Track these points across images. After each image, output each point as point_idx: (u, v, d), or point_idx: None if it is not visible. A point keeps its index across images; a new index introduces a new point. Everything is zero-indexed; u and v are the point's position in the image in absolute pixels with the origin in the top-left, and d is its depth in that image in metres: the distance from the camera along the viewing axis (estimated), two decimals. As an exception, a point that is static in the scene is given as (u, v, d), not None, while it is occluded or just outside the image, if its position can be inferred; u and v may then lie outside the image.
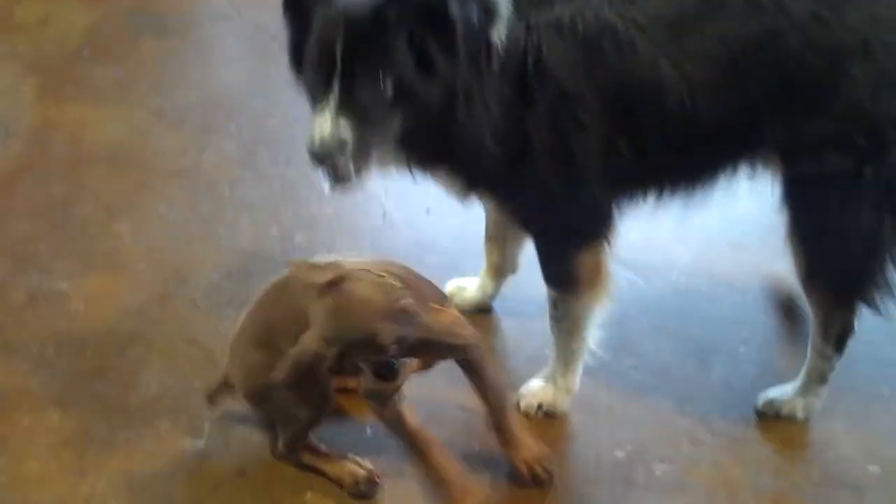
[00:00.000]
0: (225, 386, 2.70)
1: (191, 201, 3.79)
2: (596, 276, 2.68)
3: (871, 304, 2.65)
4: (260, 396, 2.60)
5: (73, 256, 3.48)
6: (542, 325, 2.86)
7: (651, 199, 2.70)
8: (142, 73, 4.70)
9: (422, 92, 2.25)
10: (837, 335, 2.72)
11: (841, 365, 2.90)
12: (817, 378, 2.81)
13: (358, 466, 2.60)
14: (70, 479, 2.62)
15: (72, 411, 2.83)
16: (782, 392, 2.87)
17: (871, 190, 2.45)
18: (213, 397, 2.75)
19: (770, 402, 2.86)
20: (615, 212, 2.67)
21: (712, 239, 3.58)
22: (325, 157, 2.25)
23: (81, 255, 3.50)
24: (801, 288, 2.71)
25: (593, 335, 2.83)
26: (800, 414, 2.83)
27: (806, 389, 2.84)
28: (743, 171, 2.64)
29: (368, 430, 2.79)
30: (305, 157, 3.76)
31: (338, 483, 2.60)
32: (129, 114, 4.37)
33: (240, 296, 3.16)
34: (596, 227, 2.64)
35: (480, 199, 2.67)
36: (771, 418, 2.85)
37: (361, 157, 2.28)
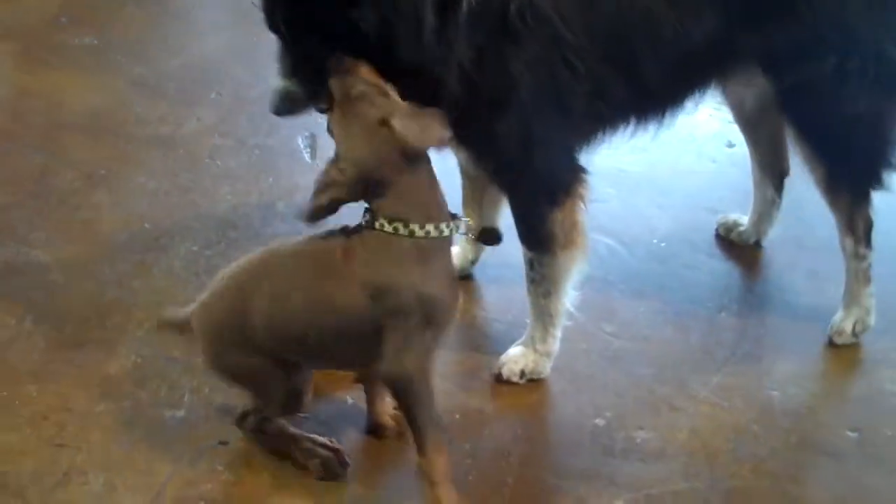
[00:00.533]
0: (180, 327, 2.61)
1: (170, 170, 3.77)
2: (572, 235, 2.67)
3: (886, 188, 2.80)
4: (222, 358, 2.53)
5: (51, 226, 3.46)
6: (523, 292, 2.85)
7: (627, 131, 2.76)
8: (121, 40, 4.66)
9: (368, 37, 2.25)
10: (864, 231, 2.85)
11: (819, 331, 2.93)
12: (863, 280, 2.92)
13: (325, 449, 2.56)
14: (49, 452, 2.61)
15: (51, 383, 2.82)
16: (842, 316, 2.96)
17: (860, 84, 2.59)
18: (162, 325, 2.71)
19: (840, 332, 2.94)
20: (585, 167, 2.69)
21: (692, 205, 3.58)
22: (282, 113, 2.39)
23: (60, 224, 3.48)
24: (824, 196, 2.85)
25: (571, 297, 2.82)
26: (870, 321, 2.93)
27: (857, 297, 2.93)
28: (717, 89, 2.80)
29: (349, 400, 2.78)
30: (286, 125, 3.81)
31: (302, 468, 2.57)
32: (108, 82, 4.33)
33: (220, 264, 3.14)
34: (569, 182, 2.63)
35: (454, 151, 2.66)
36: (751, 383, 2.86)
37: (321, 100, 2.35)
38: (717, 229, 3.41)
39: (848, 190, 2.80)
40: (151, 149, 3.90)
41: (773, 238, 3.39)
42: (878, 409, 2.80)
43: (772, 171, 3.20)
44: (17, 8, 4.87)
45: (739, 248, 3.38)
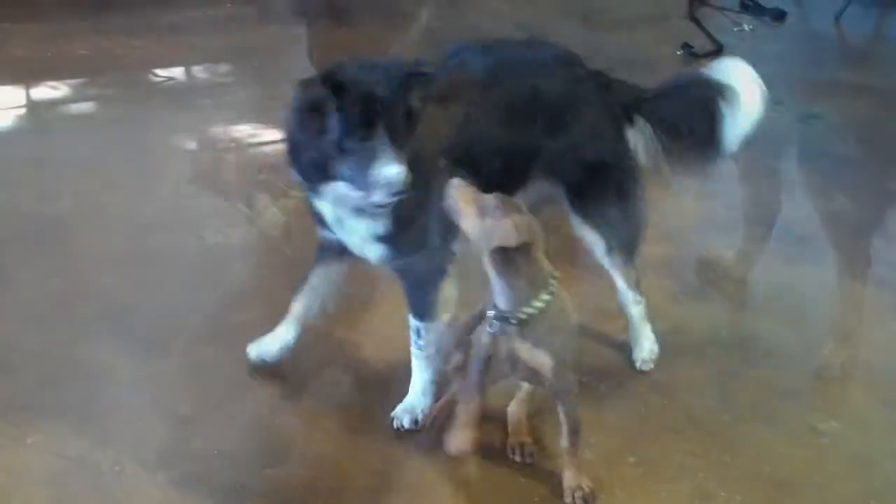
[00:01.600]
0: None
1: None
2: (448, 304, 2.91)
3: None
4: None
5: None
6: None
7: None
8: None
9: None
10: (636, 283, 3.19)
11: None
12: (643, 321, 3.21)
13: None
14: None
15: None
16: (639, 350, 3.21)
17: (617, 183, 3.07)
18: None
19: (643, 361, 3.19)
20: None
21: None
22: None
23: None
24: (606, 263, 3.14)
25: None
26: (656, 347, 3.21)
27: (641, 335, 3.22)
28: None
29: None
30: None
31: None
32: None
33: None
34: (449, 261, 2.91)
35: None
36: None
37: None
38: None
39: (622, 257, 3.14)
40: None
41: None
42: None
43: None
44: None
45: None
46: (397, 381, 3.00)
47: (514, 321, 2.51)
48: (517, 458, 2.75)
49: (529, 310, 2.49)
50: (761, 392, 3.01)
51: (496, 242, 2.45)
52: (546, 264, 2.53)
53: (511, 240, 2.44)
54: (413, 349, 2.91)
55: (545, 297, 2.49)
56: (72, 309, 3.29)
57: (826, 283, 3.55)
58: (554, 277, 2.53)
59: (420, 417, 2.91)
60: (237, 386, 2.98)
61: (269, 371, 3.02)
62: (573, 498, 2.62)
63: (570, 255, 3.62)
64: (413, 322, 2.89)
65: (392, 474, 2.70)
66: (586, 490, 2.62)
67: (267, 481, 2.66)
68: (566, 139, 2.98)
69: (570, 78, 3.03)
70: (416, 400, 2.94)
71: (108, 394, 2.94)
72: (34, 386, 2.95)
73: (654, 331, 3.20)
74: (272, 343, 3.10)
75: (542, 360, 2.51)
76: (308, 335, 3.07)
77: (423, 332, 2.89)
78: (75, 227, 3.71)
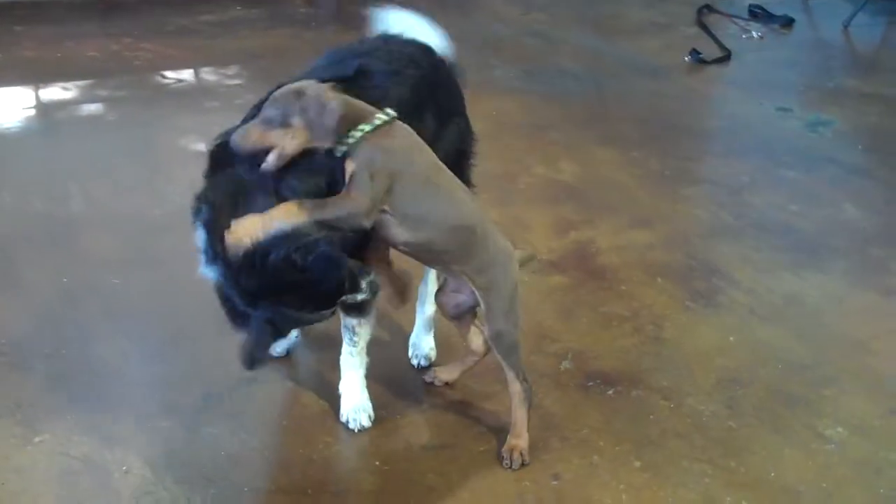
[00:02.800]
0: None
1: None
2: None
3: None
4: None
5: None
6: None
7: None
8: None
9: None
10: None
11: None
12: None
13: None
14: None
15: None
16: None
17: None
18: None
19: None
20: None
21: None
22: None
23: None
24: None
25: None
26: None
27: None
28: None
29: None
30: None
31: None
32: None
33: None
34: None
35: None
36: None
37: None
38: None
39: None
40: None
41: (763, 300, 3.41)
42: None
43: None
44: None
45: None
46: (403, 383, 3.04)
47: (339, 148, 2.50)
48: (509, 465, 2.73)
49: (349, 139, 2.48)
50: (768, 398, 3.01)
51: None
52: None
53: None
54: (347, 348, 2.89)
55: (365, 126, 2.49)
56: (81, 309, 3.30)
57: (834, 291, 3.56)
58: (390, 117, 2.52)
59: (371, 413, 2.90)
60: (245, 388, 2.98)
61: (276, 373, 3.04)
62: (510, 457, 2.74)
63: (576, 260, 3.66)
64: (349, 321, 2.86)
65: (398, 476, 2.69)
66: (524, 455, 2.74)
67: (274, 483, 2.67)
68: (448, 122, 2.91)
69: (436, 64, 2.94)
70: (361, 397, 2.92)
71: (117, 394, 2.94)
72: (43, 385, 2.96)
73: (663, 337, 3.22)
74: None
75: (350, 167, 2.50)
76: (316, 339, 3.13)
77: (357, 329, 2.88)
78: (85, 228, 3.73)
